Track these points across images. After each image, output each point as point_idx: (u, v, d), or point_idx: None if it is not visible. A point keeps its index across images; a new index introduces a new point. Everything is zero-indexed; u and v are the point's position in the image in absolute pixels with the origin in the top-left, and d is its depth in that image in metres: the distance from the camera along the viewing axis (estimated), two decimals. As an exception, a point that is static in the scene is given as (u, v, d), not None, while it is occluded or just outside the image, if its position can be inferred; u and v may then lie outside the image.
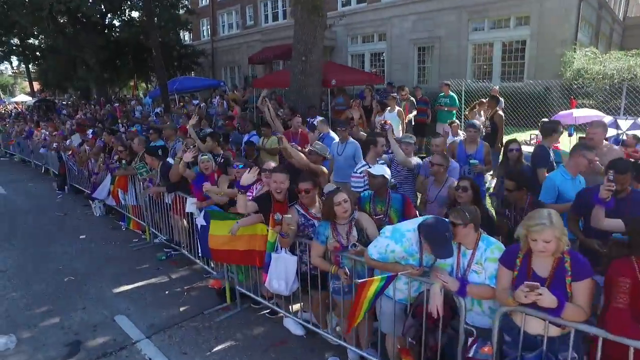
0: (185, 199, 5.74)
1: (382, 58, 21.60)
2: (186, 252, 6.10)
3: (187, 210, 5.05)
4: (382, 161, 5.00)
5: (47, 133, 13.17)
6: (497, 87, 11.28)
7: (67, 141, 10.95)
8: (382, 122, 5.33)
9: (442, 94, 10.70)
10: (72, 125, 16.34)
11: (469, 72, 18.98)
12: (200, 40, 31.85)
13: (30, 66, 33.29)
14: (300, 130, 7.91)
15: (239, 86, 20.17)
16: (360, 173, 4.96)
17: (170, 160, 6.37)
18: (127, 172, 7.36)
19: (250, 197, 4.52)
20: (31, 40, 26.10)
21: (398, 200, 4.12)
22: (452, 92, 10.93)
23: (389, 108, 9.54)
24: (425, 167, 5.12)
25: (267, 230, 4.14)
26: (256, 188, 4.74)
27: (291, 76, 10.61)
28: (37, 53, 26.21)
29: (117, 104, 17.17)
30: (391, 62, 20.99)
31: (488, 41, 18.10)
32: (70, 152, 10.37)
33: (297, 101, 10.53)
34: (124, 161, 7.59)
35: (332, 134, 7.79)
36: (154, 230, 7.14)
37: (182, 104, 15.56)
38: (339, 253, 3.60)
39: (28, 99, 42.38)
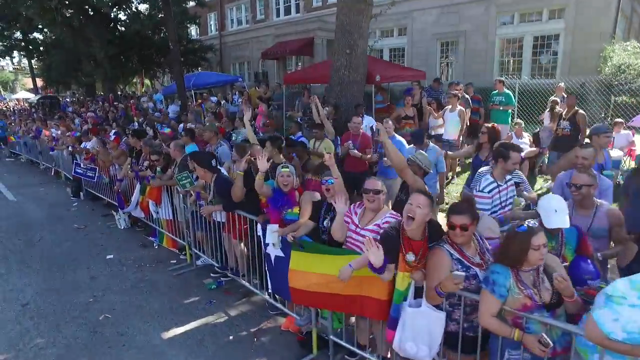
0: (247, 220, 4.61)
1: (402, 54, 20.42)
2: (247, 284, 4.96)
3: (267, 241, 3.91)
4: (519, 178, 3.87)
5: (59, 133, 11.94)
6: (562, 84, 10.15)
7: (83, 144, 9.74)
8: (374, 127, 4.17)
9: (495, 91, 9.57)
10: (81, 123, 15.13)
11: (496, 68, 17.89)
12: (208, 35, 30.51)
13: (32, 62, 31.83)
14: (361, 132, 6.77)
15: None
16: (489, 192, 3.81)
17: (222, 170, 5.20)
18: (164, 182, 6.19)
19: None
20: (34, 35, 24.68)
21: (573, 234, 3.01)
22: (507, 89, 9.79)
23: (448, 107, 8.41)
24: (560, 186, 3.97)
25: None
26: (355, 212, 3.59)
27: (332, 71, 9.42)
28: (41, 48, 24.80)
29: (132, 101, 15.90)
30: (412, 58, 19.81)
31: (518, 35, 16.98)
32: (86, 155, 9.17)
33: (339, 99, 9.37)
34: (157, 168, 6.42)
35: (399, 137, 6.66)
36: (196, 251, 5.99)
37: (199, 101, 14.35)
38: (526, 313, 2.48)
39: (30, 96, 40.92)
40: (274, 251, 4.06)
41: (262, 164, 4.04)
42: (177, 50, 13.62)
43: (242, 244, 4.90)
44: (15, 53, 26.37)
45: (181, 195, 5.94)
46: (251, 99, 13.48)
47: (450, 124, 8.23)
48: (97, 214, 8.72)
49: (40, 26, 22.95)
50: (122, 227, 7.77)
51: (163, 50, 26.78)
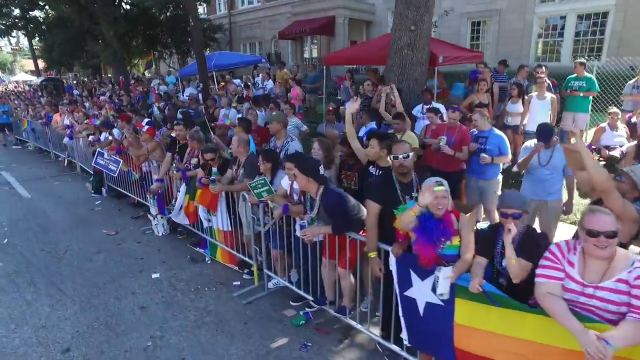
0: (359, 243, 3.39)
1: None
2: (359, 327, 3.78)
3: (439, 292, 2.69)
4: None
5: (72, 120, 10.57)
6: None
7: (102, 135, 8.40)
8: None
9: (573, 75, 8.28)
10: (93, 108, 13.74)
11: (533, 50, 16.56)
12: (217, 15, 28.75)
13: (33, 42, 29.89)
14: (459, 124, 5.52)
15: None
16: None
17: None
18: (229, 188, 4.94)
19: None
20: (35, 13, 22.84)
21: None
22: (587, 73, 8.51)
23: (534, 94, 7.15)
24: None
25: None
26: (569, 261, 2.39)
27: (392, 50, 8.10)
28: (43, 27, 22.98)
29: (153, 84, 14.44)
30: (439, 39, 18.36)
31: (559, 14, 15.59)
32: (111, 146, 7.86)
33: (400, 83, 8.08)
34: (214, 169, 5.16)
35: (498, 132, 5.43)
36: (270, 273, 4.79)
37: (222, 84, 12.94)
38: None
39: (30, 78, 39.04)
40: (426, 296, 2.87)
41: (425, 198, 2.81)
42: (198, 28, 12.21)
43: (351, 275, 3.70)
44: (15, 33, 24.46)
45: (248, 203, 4.70)
46: (282, 82, 12.14)
47: (539, 113, 6.98)
48: (125, 216, 7.47)
49: (41, 2, 21.17)
50: (161, 234, 6.54)
51: (171, 29, 25.09)
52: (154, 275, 5.25)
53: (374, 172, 4.18)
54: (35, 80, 27.74)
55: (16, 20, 22.90)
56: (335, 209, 3.44)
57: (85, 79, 26.85)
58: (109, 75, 25.06)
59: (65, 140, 10.98)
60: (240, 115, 8.72)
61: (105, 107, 12.31)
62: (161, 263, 5.59)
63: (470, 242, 2.83)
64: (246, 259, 5.06)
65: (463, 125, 5.63)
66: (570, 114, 8.18)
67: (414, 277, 2.97)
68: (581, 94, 8.09)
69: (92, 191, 8.76)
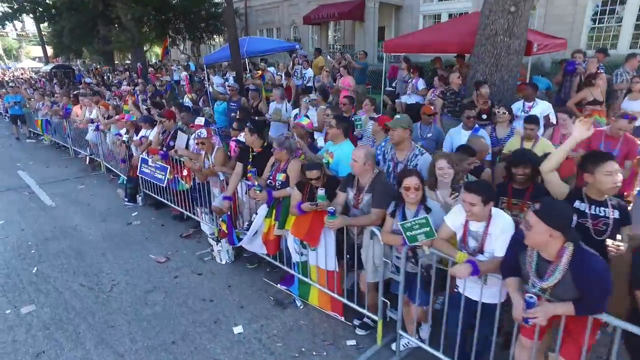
0: None
1: (465, 19, 17.38)
2: None
3: None
4: None
5: (95, 113, 9.13)
6: None
7: (140, 134, 7.01)
8: None
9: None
10: (112, 98, 12.31)
11: (584, 37, 15.02)
12: (231, -1, 26.96)
13: (41, 27, 28.05)
14: (624, 134, 4.15)
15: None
16: None
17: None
18: (354, 222, 3.58)
19: None
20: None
21: None
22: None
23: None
24: None
25: None
26: None
27: (482, 37, 6.69)
28: (52, 11, 21.22)
29: (184, 73, 12.92)
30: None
31: (617, -4, 14.05)
32: (151, 149, 6.48)
33: (492, 75, 6.70)
34: (321, 192, 3.78)
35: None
36: (403, 334, 3.47)
37: (259, 72, 11.45)
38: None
39: (36, 65, 37.35)
40: None
41: None
42: (231, 10, 10.72)
43: None
44: (22, 17, 22.71)
45: (380, 243, 3.36)
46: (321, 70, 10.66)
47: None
48: (171, 233, 6.14)
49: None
50: (224, 262, 5.21)
51: (184, 13, 23.39)
52: (236, 330, 3.93)
53: (584, 209, 2.83)
54: (45, 67, 26.10)
55: (24, 4, 21.15)
56: (596, 282, 2.11)
57: (98, 66, 25.19)
58: (125, 61, 23.42)
59: (89, 136, 9.60)
60: (297, 111, 7.36)
61: (129, 99, 10.85)
62: (239, 309, 4.27)
63: None
64: (365, 311, 3.74)
65: (628, 134, 4.27)
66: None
67: None
68: None
69: (126, 199, 7.40)
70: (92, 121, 9.29)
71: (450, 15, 17.85)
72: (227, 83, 12.90)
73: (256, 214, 4.60)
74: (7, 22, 21.34)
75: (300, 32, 23.37)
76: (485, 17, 6.74)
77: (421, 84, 8.81)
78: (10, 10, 20.93)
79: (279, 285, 4.64)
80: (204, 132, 5.06)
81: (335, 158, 4.19)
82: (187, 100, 10.20)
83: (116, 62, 25.40)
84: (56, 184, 8.70)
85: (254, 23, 26.20)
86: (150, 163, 6.14)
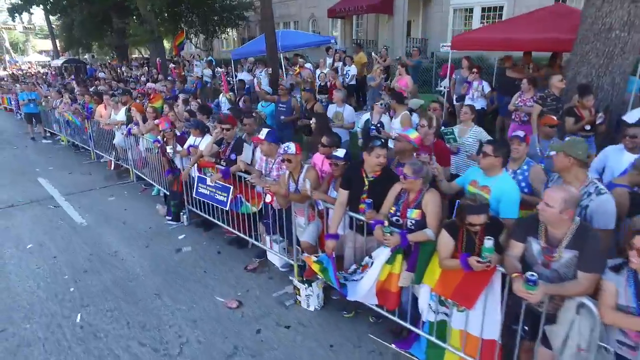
0: None
1: (500, 13, 16.17)
2: None
3: None
4: None
5: (139, 119, 7.83)
6: None
7: (188, 142, 5.88)
8: None
9: None
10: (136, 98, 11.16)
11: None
12: (246, -10, 25.70)
13: (50, 20, 26.68)
14: None
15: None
16: None
17: None
18: (562, 290, 2.51)
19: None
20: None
21: None
22: None
23: None
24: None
25: None
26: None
27: (587, 32, 5.58)
28: (64, 2, 19.88)
29: (221, 70, 11.72)
30: (514, 20, 15.59)
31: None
32: (204, 162, 5.38)
33: (600, 79, 5.61)
34: (489, 243, 2.71)
35: None
36: None
37: (297, 69, 10.31)
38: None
39: (43, 59, 36.01)
40: None
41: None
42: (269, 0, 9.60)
43: None
44: (33, 9, 21.33)
45: (594, 322, 2.30)
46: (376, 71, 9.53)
47: None
48: (232, 264, 5.06)
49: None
50: (313, 309, 4.13)
51: (197, 5, 22.06)
52: None
53: None
54: (55, 61, 24.79)
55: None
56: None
57: (111, 61, 23.87)
58: (135, 55, 22.10)
59: (117, 140, 8.48)
60: (367, 116, 6.27)
61: (158, 98, 9.70)
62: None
63: None
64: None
65: None
66: None
67: None
68: None
69: (168, 217, 6.30)
70: (125, 124, 8.15)
71: (483, 9, 16.69)
72: (256, 80, 11.81)
73: (369, 257, 3.53)
74: (16, 14, 20.05)
75: (320, 26, 22.14)
76: (595, 8, 5.61)
77: (487, 86, 7.73)
78: (20, 2, 19.62)
79: (393, 345, 3.57)
80: (292, 147, 3.94)
81: (494, 194, 3.10)
82: (222, 100, 9.06)
83: (132, 55, 24.07)
84: (82, 195, 7.60)
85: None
86: (209, 182, 5.03)
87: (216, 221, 5.62)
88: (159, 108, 10.22)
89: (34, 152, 11.14)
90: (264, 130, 4.49)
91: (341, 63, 10.95)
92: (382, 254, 3.37)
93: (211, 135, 5.90)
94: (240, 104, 8.57)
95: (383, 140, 3.50)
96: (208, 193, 5.09)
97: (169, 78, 12.72)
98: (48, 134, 12.74)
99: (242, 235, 5.21)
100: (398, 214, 3.36)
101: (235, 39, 28.75)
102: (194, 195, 5.39)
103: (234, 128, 5.15)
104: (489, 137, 5.03)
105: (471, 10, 17.00)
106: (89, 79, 17.84)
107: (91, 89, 13.19)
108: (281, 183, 4.16)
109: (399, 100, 6.02)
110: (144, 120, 7.22)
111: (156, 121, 6.66)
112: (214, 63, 15.39)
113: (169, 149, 5.99)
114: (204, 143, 5.63)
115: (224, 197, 4.91)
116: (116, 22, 18.54)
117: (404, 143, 3.87)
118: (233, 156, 5.04)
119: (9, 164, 9.98)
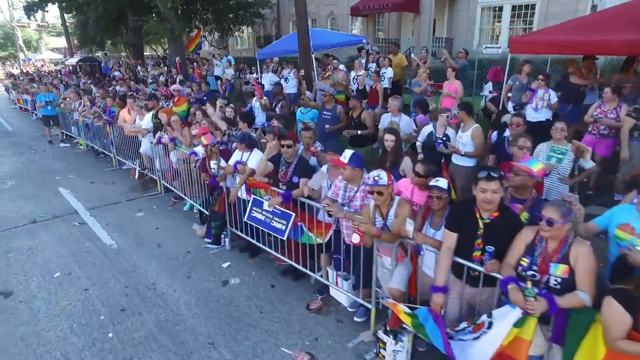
0: None
1: (532, 11, 15.30)
2: None
3: None
4: None
5: (176, 130, 6.97)
6: None
7: (234, 158, 5.15)
8: None
9: None
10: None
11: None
12: (263, -13, 24.88)
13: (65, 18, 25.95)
14: None
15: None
16: None
17: None
18: None
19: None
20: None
21: None
22: None
23: None
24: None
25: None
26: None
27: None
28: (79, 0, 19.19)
29: (253, 75, 10.95)
30: (546, 20, 14.74)
31: None
32: (259, 184, 4.65)
33: None
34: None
35: None
36: None
37: (329, 71, 9.54)
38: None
39: (56, 56, 35.40)
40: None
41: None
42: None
43: None
44: (49, 7, 20.58)
45: None
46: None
47: None
48: (292, 301, 4.34)
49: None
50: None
51: (211, 2, 21.22)
52: None
53: None
54: (70, 60, 24.13)
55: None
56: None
57: (128, 59, 23.12)
58: (162, 54, 21.25)
59: (143, 148, 7.78)
60: (430, 128, 5.52)
61: (183, 101, 8.97)
62: None
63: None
64: None
65: None
66: None
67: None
68: None
69: (208, 240, 5.59)
70: (153, 133, 7.44)
71: (514, 8, 15.80)
72: (284, 81, 11.05)
73: (488, 316, 2.80)
74: (32, 12, 19.36)
75: (339, 25, 21.32)
76: None
77: (554, 95, 6.87)
78: (36, 0, 18.91)
79: None
80: (383, 177, 3.19)
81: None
82: (256, 106, 8.30)
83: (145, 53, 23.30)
84: (108, 210, 6.91)
85: (287, 14, 24.15)
86: (265, 207, 4.30)
87: (266, 248, 4.91)
88: (184, 112, 9.56)
89: (53, 157, 10.47)
90: (347, 153, 3.66)
91: (374, 64, 10.17)
92: (509, 315, 2.64)
93: (260, 149, 5.19)
94: (277, 109, 7.83)
95: (495, 174, 2.73)
96: (263, 219, 4.36)
97: (194, 80, 11.99)
98: (65, 137, 12.07)
99: (300, 267, 4.49)
100: (535, 268, 2.62)
101: (250, 37, 27.98)
102: (245, 219, 4.66)
103: (296, 145, 4.40)
104: (589, 160, 4.28)
105: (500, 8, 16.14)
106: (105, 78, 17.15)
107: (109, 89, 12.53)
108: (364, 215, 3.42)
109: (469, 112, 5.25)
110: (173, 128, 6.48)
111: (194, 131, 5.91)
112: (233, 62, 14.60)
113: (212, 165, 5.27)
114: (254, 159, 4.90)
115: (283, 225, 4.19)
116: (132, 20, 17.77)
117: (523, 177, 3.11)
118: (295, 179, 4.30)
119: (28, 170, 9.31)
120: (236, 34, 25.44)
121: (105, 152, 9.88)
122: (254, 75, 10.68)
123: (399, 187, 3.82)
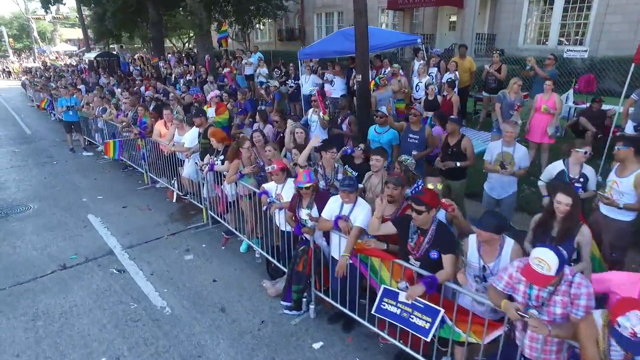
0: None
1: (589, 4, 13.66)
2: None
3: None
4: None
5: (244, 164, 5.54)
6: None
7: (331, 207, 3.83)
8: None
9: None
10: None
11: None
12: (285, -22, 23.25)
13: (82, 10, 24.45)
14: None
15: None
16: None
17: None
18: None
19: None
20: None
21: None
22: None
23: None
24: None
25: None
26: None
27: None
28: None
29: (312, 87, 9.49)
30: (606, 14, 13.12)
31: None
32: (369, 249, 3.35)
33: None
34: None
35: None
36: None
37: (384, 77, 8.09)
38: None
39: (70, 48, 34.02)
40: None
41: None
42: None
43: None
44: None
45: None
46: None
47: None
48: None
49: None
50: None
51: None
52: None
53: None
54: (88, 55, 22.70)
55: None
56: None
57: (148, 55, 21.67)
58: (174, 47, 19.79)
59: (187, 171, 6.47)
60: (558, 164, 4.18)
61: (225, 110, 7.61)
62: None
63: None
64: None
65: None
66: None
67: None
68: None
69: (286, 304, 4.30)
70: (201, 156, 6.14)
71: (567, 1, 14.16)
72: (330, 85, 9.68)
73: None
74: (49, 4, 17.97)
75: (368, 19, 19.70)
76: None
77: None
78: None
79: None
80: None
81: None
82: (312, 119, 6.95)
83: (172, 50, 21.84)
84: (149, 249, 5.64)
85: (312, 6, 22.58)
86: (401, 298, 3.00)
87: (366, 323, 3.63)
88: (225, 122, 8.24)
89: (77, 169, 9.20)
90: (548, 255, 2.28)
91: (435, 69, 8.74)
92: None
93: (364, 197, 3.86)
94: (344, 127, 6.47)
95: None
96: (399, 313, 3.06)
97: (223, 80, 10.59)
98: (87, 144, 10.80)
99: (419, 357, 3.20)
100: None
101: (271, 30, 26.39)
102: (372, 312, 3.34)
103: (433, 210, 3.06)
104: None
105: (551, 2, 14.50)
106: (125, 76, 15.79)
107: (132, 89, 11.22)
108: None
109: (638, 149, 3.87)
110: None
111: (270, 168, 4.47)
112: (263, 59, 13.13)
113: (304, 214, 3.94)
114: (360, 214, 3.58)
115: (427, 323, 2.89)
116: (152, 14, 16.34)
117: None
118: (434, 254, 2.98)
119: (51, 189, 8.04)
120: (257, 26, 23.89)
121: (134, 165, 8.61)
122: (316, 86, 9.17)
123: (611, 284, 2.49)
